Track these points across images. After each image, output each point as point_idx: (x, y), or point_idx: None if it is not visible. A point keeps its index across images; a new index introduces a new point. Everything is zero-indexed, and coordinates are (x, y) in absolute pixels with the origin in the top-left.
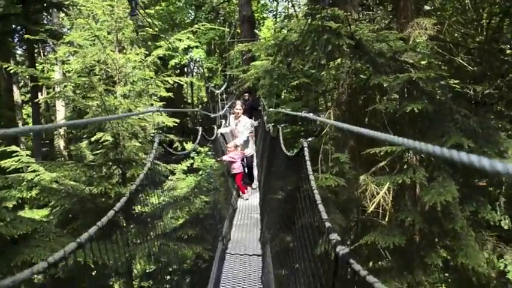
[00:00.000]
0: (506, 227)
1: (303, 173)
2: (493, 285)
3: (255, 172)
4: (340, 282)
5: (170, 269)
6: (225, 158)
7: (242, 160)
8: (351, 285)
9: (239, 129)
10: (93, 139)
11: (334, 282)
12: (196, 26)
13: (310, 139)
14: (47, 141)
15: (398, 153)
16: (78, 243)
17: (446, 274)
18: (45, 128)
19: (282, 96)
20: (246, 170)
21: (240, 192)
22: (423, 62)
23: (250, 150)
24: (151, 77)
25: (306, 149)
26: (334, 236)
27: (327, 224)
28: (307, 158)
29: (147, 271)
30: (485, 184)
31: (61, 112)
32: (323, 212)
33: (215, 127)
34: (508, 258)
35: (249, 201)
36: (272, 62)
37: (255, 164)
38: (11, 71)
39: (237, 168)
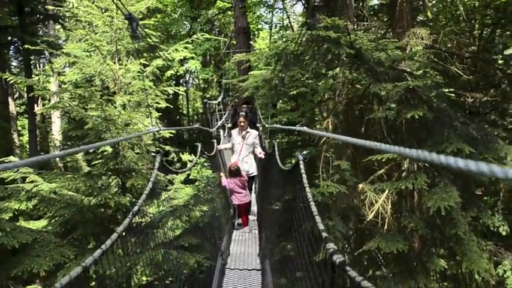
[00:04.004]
0: (504, 233)
1: (300, 185)
2: None
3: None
4: None
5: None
6: (226, 184)
7: (245, 187)
8: None
9: (249, 142)
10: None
11: None
12: (194, 36)
13: (305, 152)
14: (41, 153)
15: (397, 161)
16: (83, 267)
17: (445, 283)
18: (63, 155)
19: (278, 106)
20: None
21: (241, 222)
22: (419, 72)
23: (254, 169)
24: (151, 87)
25: (301, 162)
26: (331, 246)
27: (324, 234)
28: (302, 171)
29: (147, 280)
30: (481, 193)
31: (57, 124)
32: (319, 223)
33: (214, 142)
34: (507, 264)
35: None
36: (272, 71)
37: (254, 187)
38: (10, 81)
39: (241, 198)
